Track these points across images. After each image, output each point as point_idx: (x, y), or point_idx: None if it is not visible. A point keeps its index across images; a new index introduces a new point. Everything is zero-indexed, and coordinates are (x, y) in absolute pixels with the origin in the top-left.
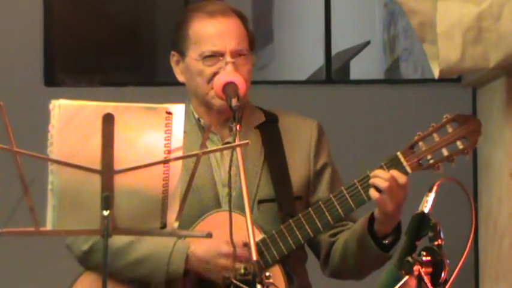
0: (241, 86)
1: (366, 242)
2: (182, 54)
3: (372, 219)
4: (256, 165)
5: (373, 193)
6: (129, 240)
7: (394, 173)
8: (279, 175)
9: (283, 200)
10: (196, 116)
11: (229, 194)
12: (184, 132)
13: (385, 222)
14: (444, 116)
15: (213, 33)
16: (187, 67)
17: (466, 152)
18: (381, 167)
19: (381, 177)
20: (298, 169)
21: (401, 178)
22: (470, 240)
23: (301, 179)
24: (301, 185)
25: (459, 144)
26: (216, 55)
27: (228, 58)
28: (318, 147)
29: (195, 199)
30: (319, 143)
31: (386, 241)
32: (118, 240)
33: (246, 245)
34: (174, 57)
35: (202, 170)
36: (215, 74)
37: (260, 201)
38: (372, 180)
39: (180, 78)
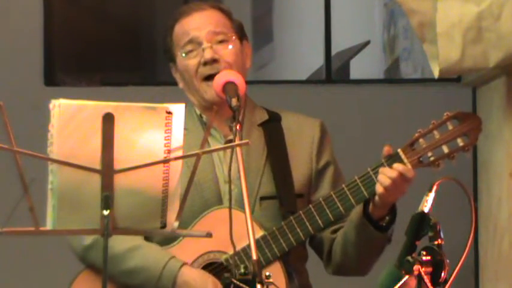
0: (241, 86)
1: (363, 227)
2: (174, 61)
3: (366, 204)
4: (258, 162)
5: (378, 187)
6: (127, 247)
7: (400, 167)
8: (281, 173)
9: (285, 197)
10: (198, 112)
11: (230, 193)
12: (186, 129)
13: (383, 207)
14: (445, 114)
15: (188, 28)
16: (179, 70)
17: (467, 149)
18: (381, 164)
19: (385, 175)
20: (300, 167)
21: (409, 172)
22: (470, 240)
23: (303, 177)
24: (302, 183)
25: (459, 142)
26: (193, 43)
27: (205, 44)
28: (321, 146)
29: (197, 195)
30: (321, 142)
31: (383, 223)
32: (116, 246)
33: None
34: (172, 69)
35: (204, 167)
36: (198, 64)
37: (262, 198)
38: (378, 177)
39: (181, 85)
